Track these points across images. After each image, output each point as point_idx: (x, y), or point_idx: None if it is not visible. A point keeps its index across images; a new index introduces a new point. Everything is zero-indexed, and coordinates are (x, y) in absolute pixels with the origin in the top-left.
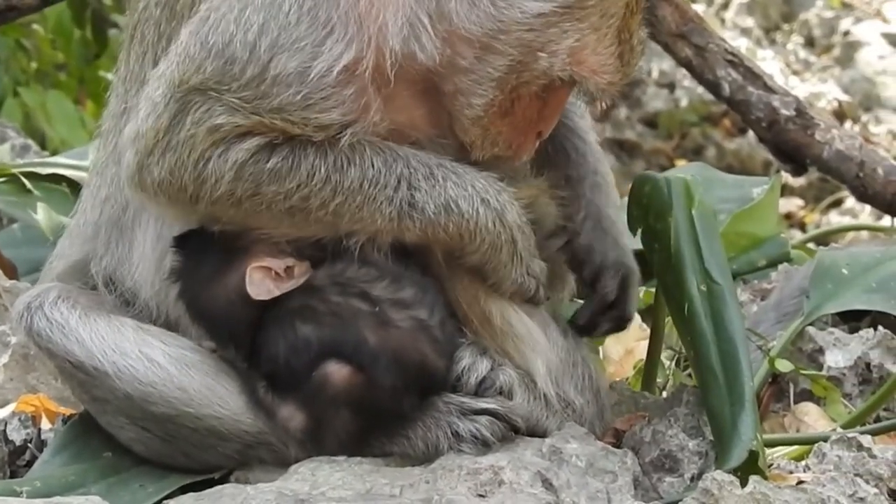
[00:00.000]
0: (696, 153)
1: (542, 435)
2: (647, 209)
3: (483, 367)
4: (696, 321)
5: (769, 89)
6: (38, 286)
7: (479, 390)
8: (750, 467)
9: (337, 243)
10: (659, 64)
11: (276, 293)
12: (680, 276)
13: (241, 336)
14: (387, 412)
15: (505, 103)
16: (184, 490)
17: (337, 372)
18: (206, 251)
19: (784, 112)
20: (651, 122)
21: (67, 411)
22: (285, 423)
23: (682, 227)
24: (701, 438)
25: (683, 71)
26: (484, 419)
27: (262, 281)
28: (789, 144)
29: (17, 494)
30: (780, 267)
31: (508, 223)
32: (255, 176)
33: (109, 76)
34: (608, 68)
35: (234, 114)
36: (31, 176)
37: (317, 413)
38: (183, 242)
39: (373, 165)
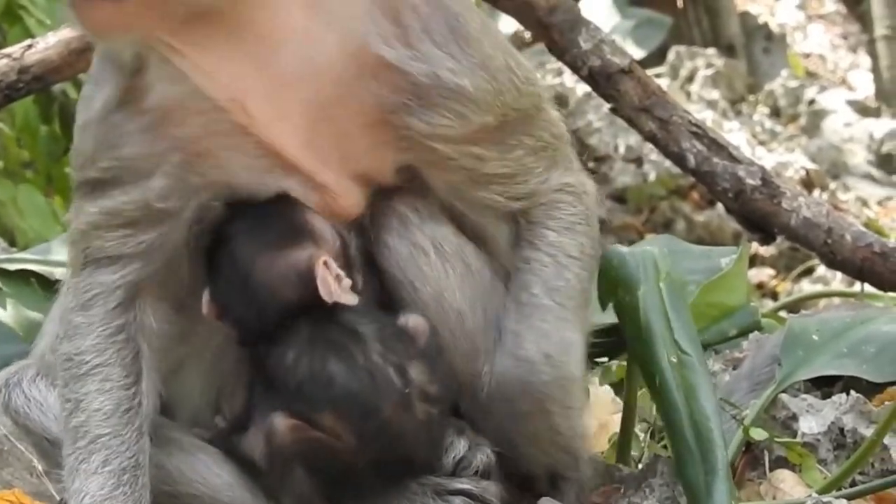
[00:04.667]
0: (665, 227)
1: None
2: (616, 283)
3: (460, 446)
4: (667, 392)
5: (734, 159)
6: (16, 363)
7: (457, 470)
8: None
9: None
10: (625, 139)
11: (334, 299)
12: (650, 348)
13: (260, 328)
14: (346, 477)
15: None
16: None
17: (331, 428)
18: (269, 220)
19: (750, 182)
20: (619, 198)
21: None
22: (249, 449)
23: (650, 299)
24: None
25: (650, 145)
26: (458, 500)
27: (325, 279)
28: (756, 214)
29: None
30: (752, 336)
31: None
32: None
33: None
34: None
35: None
36: None
37: (292, 450)
38: (241, 208)
39: None
